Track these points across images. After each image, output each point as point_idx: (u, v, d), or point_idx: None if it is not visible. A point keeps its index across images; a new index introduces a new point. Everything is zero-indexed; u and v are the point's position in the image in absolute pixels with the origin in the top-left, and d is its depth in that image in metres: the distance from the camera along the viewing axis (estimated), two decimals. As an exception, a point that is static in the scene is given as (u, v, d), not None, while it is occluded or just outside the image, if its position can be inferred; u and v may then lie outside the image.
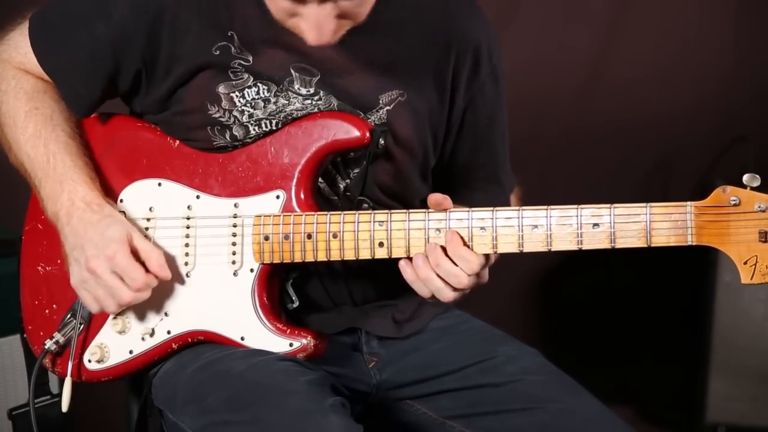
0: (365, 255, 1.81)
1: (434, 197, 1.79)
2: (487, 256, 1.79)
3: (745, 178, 1.62)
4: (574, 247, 1.71)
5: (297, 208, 1.85)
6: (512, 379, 1.93)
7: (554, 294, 4.07)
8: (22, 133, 1.95)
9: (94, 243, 1.83)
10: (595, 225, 1.70)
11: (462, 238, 1.76)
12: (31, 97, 1.97)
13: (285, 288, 1.92)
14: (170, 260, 1.89)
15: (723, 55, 3.92)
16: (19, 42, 1.99)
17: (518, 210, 1.74)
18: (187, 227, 1.91)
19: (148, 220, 1.93)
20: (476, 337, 2.06)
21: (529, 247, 1.73)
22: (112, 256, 1.81)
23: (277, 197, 1.87)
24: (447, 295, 1.79)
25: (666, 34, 3.88)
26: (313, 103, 1.89)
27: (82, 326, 1.96)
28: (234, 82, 1.87)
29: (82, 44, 1.92)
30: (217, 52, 1.86)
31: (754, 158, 3.64)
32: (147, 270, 1.84)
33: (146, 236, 1.90)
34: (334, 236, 1.81)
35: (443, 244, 1.77)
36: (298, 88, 1.88)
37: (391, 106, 1.92)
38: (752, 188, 1.62)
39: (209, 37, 1.86)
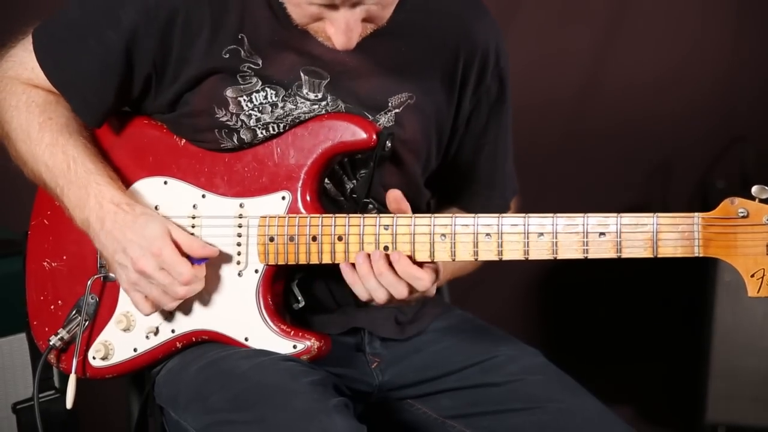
0: (371, 258, 1.81)
1: (393, 194, 1.80)
2: (436, 272, 1.79)
3: (754, 189, 1.60)
4: (579, 255, 1.70)
5: (302, 210, 1.85)
6: (512, 378, 1.94)
7: (554, 294, 4.08)
8: (37, 145, 1.92)
9: (136, 244, 1.82)
10: (602, 234, 1.69)
11: (410, 257, 1.77)
12: (44, 109, 1.95)
13: (290, 288, 1.92)
14: None
15: (722, 56, 3.93)
16: (24, 58, 1.97)
17: (524, 217, 1.73)
18: (192, 226, 1.91)
19: (154, 218, 1.93)
20: (477, 337, 2.07)
21: (534, 255, 1.73)
22: (159, 252, 1.80)
23: (283, 198, 1.87)
24: (381, 297, 1.78)
25: (666, 35, 3.88)
26: (321, 107, 1.89)
27: (87, 323, 1.96)
28: (242, 86, 1.87)
29: (92, 53, 1.90)
30: (227, 56, 1.85)
31: (754, 158, 3.65)
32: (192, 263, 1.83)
33: (182, 227, 1.89)
34: (340, 239, 1.81)
35: (391, 259, 1.77)
36: (306, 93, 1.88)
37: (400, 108, 1.92)
38: (761, 200, 1.61)
39: (219, 40, 1.85)
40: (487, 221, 1.75)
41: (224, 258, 1.89)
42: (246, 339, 1.87)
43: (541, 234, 1.72)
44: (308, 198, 1.86)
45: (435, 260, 1.78)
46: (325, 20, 1.74)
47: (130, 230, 1.83)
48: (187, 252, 1.83)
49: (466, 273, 2.14)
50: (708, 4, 3.89)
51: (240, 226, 1.88)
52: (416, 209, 1.84)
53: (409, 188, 1.99)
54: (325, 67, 1.88)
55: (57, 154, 1.91)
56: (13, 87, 1.98)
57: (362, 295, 1.80)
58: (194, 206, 1.91)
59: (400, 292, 1.76)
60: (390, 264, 1.76)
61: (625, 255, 1.68)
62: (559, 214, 1.72)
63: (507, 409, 1.91)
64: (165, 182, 1.94)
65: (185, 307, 1.91)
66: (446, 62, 1.96)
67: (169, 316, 1.91)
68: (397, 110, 1.92)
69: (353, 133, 1.85)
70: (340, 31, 1.72)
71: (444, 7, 1.96)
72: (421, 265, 1.77)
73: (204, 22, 1.85)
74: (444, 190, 2.10)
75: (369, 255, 1.77)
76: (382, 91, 1.91)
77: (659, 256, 1.67)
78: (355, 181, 1.95)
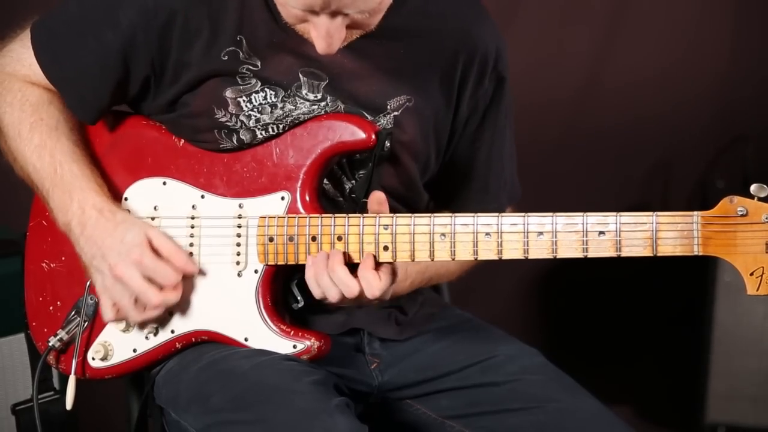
0: (370, 258, 1.81)
1: (376, 195, 1.80)
2: (393, 278, 1.79)
3: (753, 188, 1.61)
4: (579, 254, 1.70)
5: (302, 210, 1.85)
6: (512, 378, 1.93)
7: (554, 294, 4.08)
8: (27, 145, 1.94)
9: (115, 250, 1.83)
10: (601, 233, 1.69)
11: (375, 257, 1.77)
12: (37, 109, 1.96)
13: (290, 288, 1.92)
14: None
15: (722, 56, 3.92)
16: (22, 54, 1.97)
17: (523, 216, 1.73)
18: (192, 227, 1.91)
19: (153, 219, 1.93)
20: (476, 336, 2.07)
21: (534, 254, 1.73)
22: (139, 260, 1.81)
23: (282, 198, 1.87)
24: (333, 294, 1.78)
25: (665, 34, 3.88)
26: (320, 107, 1.89)
27: (86, 324, 1.96)
28: (241, 87, 1.87)
29: (90, 51, 1.90)
30: (226, 58, 1.85)
31: (754, 158, 3.65)
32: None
33: (164, 234, 1.89)
34: (339, 239, 1.81)
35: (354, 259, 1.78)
36: (306, 93, 1.88)
37: (399, 111, 1.92)
38: (759, 199, 1.61)
39: (218, 42, 1.85)
40: (486, 221, 1.75)
41: (224, 258, 1.89)
42: (246, 339, 1.87)
43: (541, 233, 1.72)
44: (307, 198, 1.86)
45: (435, 259, 1.78)
46: (310, 23, 1.74)
47: (109, 237, 1.84)
48: (167, 259, 1.84)
49: (448, 279, 2.16)
50: (707, 4, 3.89)
51: (239, 226, 1.88)
52: (414, 210, 1.84)
53: (408, 190, 2.00)
54: (324, 68, 1.88)
55: (44, 157, 1.92)
56: (9, 83, 1.99)
57: (316, 292, 1.81)
58: (193, 207, 1.91)
59: (351, 291, 1.75)
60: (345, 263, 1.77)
61: (624, 254, 1.68)
62: (558, 213, 1.72)
63: (506, 409, 1.90)
64: (164, 183, 1.94)
65: (185, 308, 1.90)
66: (445, 65, 1.95)
67: (168, 316, 1.91)
68: (395, 113, 1.92)
69: (352, 132, 1.85)
70: (321, 36, 1.73)
71: (443, 10, 1.96)
72: (378, 268, 1.78)
73: (202, 25, 1.85)
74: (439, 193, 2.10)
75: (328, 254, 1.78)
76: (381, 93, 1.91)
77: (659, 254, 1.67)
78: (353, 182, 1.95)
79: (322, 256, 1.78)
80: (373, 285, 1.75)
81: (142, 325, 1.92)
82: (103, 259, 1.84)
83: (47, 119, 1.95)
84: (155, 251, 1.84)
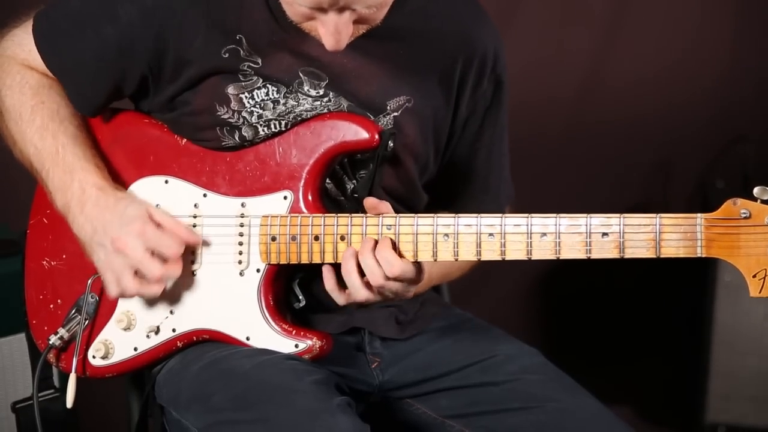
0: (373, 258, 1.80)
1: (370, 201, 1.81)
2: (419, 270, 1.79)
3: (756, 191, 1.61)
4: (582, 256, 1.70)
5: (304, 209, 1.85)
6: (511, 378, 1.93)
7: (554, 294, 4.08)
8: (29, 126, 1.94)
9: (115, 224, 1.83)
10: (605, 234, 1.69)
11: (393, 242, 1.77)
12: (37, 92, 1.97)
13: (292, 287, 1.92)
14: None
15: (722, 55, 3.93)
16: (23, 39, 1.98)
17: (527, 217, 1.73)
18: (194, 225, 1.91)
19: (154, 217, 1.93)
20: (476, 336, 2.07)
21: (537, 255, 1.72)
22: (142, 231, 1.81)
23: (285, 198, 1.86)
24: (360, 294, 1.79)
25: (665, 34, 3.89)
26: (323, 104, 1.89)
27: (87, 322, 1.95)
28: (243, 84, 1.87)
29: (89, 44, 1.91)
30: (226, 55, 1.86)
31: (754, 158, 3.66)
32: None
33: (164, 210, 1.89)
34: (342, 239, 1.81)
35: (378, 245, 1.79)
36: (308, 90, 1.88)
37: (399, 112, 1.92)
38: (763, 201, 1.62)
39: (218, 40, 1.85)
40: (490, 221, 1.75)
41: (226, 258, 1.89)
42: (247, 338, 1.87)
43: (544, 234, 1.72)
44: (310, 198, 1.86)
45: (438, 260, 1.78)
46: (317, 20, 1.74)
47: (110, 212, 1.85)
48: (170, 232, 1.85)
49: (451, 278, 2.16)
50: (707, 4, 3.89)
51: (242, 225, 1.88)
52: (415, 211, 1.84)
53: (407, 191, 2.00)
54: (324, 68, 1.88)
55: (47, 138, 1.93)
56: (9, 66, 2.00)
57: (340, 300, 1.83)
58: (195, 205, 1.91)
59: (392, 269, 1.75)
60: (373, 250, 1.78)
61: (627, 255, 1.68)
62: (561, 215, 1.72)
63: (506, 409, 1.90)
64: (166, 181, 1.94)
65: (186, 306, 1.90)
66: (444, 66, 1.95)
67: (170, 314, 1.91)
68: (395, 113, 1.92)
69: (356, 132, 1.84)
70: (329, 33, 1.73)
71: (443, 11, 1.96)
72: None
73: (200, 23, 1.85)
74: (438, 193, 2.10)
75: (376, 240, 1.78)
76: (381, 93, 1.91)
77: (662, 256, 1.67)
78: (355, 181, 1.94)
79: (370, 240, 1.78)
80: (394, 264, 1.75)
81: (143, 324, 1.92)
82: (104, 233, 1.84)
83: (48, 102, 1.96)
84: (156, 225, 1.84)
